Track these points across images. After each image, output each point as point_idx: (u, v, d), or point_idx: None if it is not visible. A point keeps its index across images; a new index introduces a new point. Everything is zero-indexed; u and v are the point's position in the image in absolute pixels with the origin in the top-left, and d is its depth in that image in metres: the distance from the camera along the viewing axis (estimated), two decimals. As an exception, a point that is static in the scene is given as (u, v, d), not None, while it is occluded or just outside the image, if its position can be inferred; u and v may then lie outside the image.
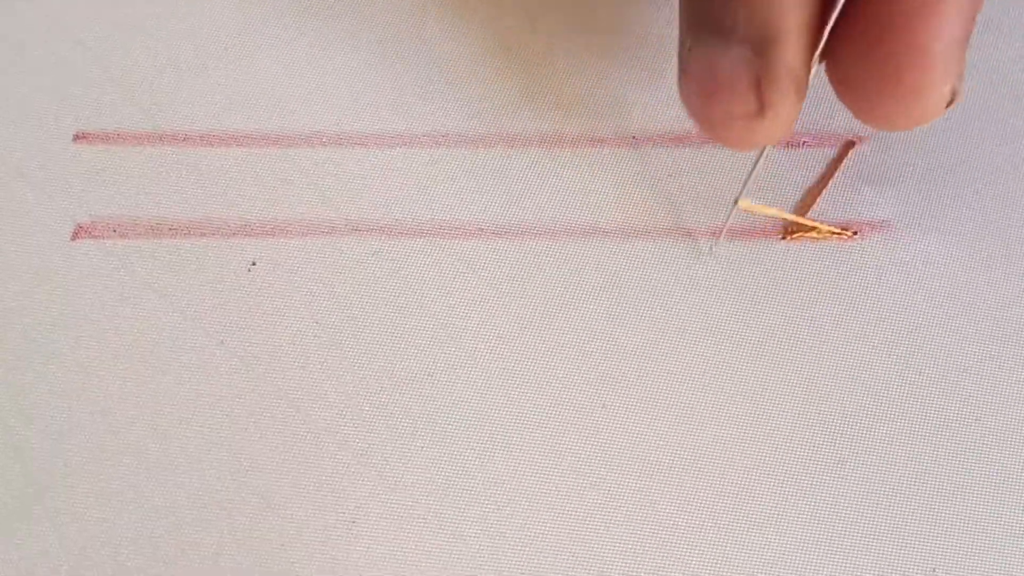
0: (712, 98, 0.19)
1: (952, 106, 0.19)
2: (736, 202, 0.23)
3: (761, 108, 0.19)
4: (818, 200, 0.25)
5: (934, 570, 0.21)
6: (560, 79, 0.26)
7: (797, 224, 0.24)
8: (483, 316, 0.24)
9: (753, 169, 0.22)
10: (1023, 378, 0.23)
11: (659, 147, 0.26)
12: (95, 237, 0.25)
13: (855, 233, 0.24)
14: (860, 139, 0.25)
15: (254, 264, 0.25)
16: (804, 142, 0.25)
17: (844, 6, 0.19)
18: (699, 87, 0.19)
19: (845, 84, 0.20)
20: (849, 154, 0.25)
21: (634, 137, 0.26)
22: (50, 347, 0.24)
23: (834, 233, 0.24)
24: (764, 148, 0.21)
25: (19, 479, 0.23)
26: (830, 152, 0.25)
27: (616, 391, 0.23)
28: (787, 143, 0.25)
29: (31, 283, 0.25)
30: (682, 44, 0.20)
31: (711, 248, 0.24)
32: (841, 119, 0.26)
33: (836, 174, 0.25)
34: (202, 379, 0.24)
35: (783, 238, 0.24)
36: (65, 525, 0.22)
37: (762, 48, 0.18)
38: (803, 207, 0.25)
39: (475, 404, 0.23)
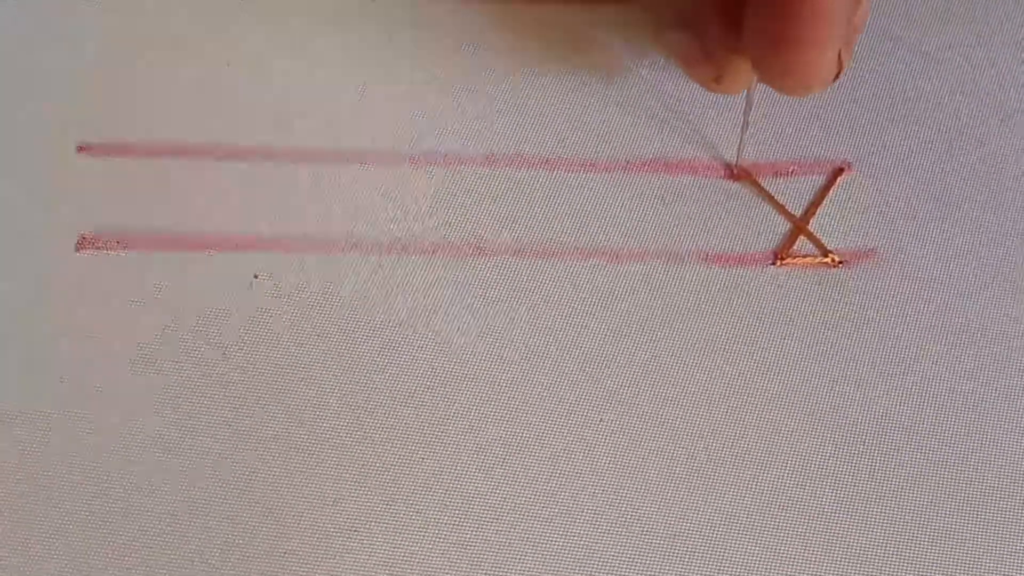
0: (689, 69, 0.25)
1: (839, 77, 0.22)
2: (745, 123, 0.25)
3: (718, 76, 0.24)
4: (809, 225, 0.25)
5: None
6: (557, 104, 0.27)
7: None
8: (482, 331, 0.24)
9: (746, 119, 0.25)
10: (1010, 400, 0.24)
11: (650, 173, 0.26)
12: (98, 248, 0.25)
13: (842, 261, 0.25)
14: (849, 166, 0.26)
15: (256, 277, 0.25)
16: (792, 170, 0.26)
17: None
18: (680, 62, 0.25)
19: (748, 40, 0.22)
20: (837, 181, 0.26)
21: (627, 162, 0.26)
22: (54, 357, 0.24)
23: (823, 262, 0.25)
24: (752, 97, 0.25)
25: (22, 486, 0.23)
26: (819, 179, 0.26)
27: (612, 407, 0.24)
28: (776, 172, 0.26)
29: (35, 293, 0.25)
30: (667, 28, 0.25)
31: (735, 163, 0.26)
32: (829, 147, 0.26)
33: (824, 201, 0.26)
34: (204, 390, 0.24)
35: (773, 264, 0.25)
36: (67, 533, 0.23)
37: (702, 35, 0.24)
38: (793, 233, 0.25)
39: (474, 417, 0.24)
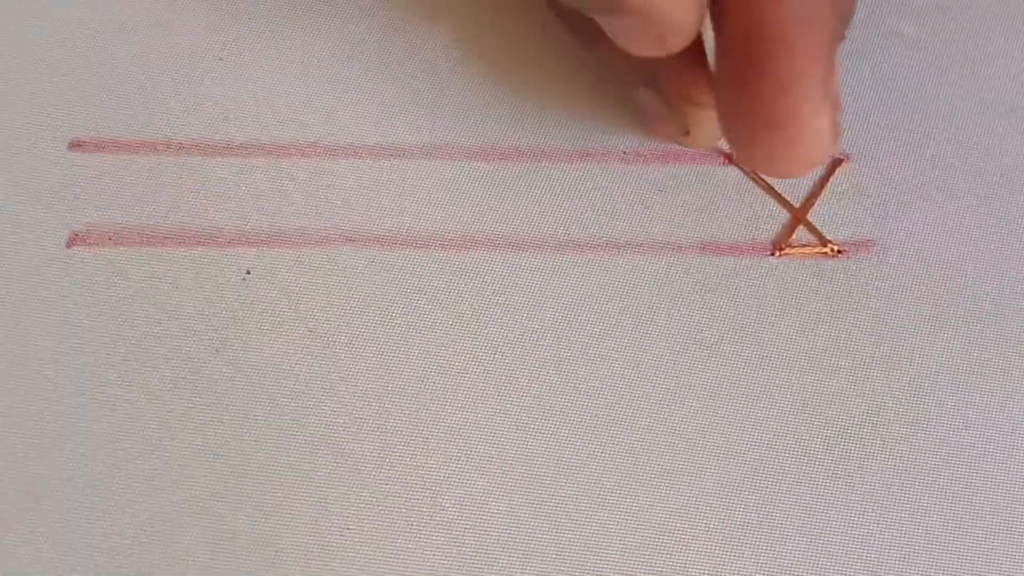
0: (655, 125, 0.25)
1: (837, 143, 0.21)
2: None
3: (686, 132, 0.24)
4: (808, 216, 0.25)
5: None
6: (553, 94, 0.27)
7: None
8: (476, 327, 0.24)
9: None
10: (1009, 393, 0.23)
11: (648, 163, 0.26)
12: (90, 245, 0.25)
13: (841, 251, 0.25)
14: (848, 157, 0.26)
15: (249, 273, 0.25)
16: (792, 160, 0.26)
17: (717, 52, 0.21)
18: (646, 119, 0.25)
19: (730, 133, 0.21)
20: (836, 172, 0.26)
21: (624, 152, 0.26)
22: (44, 354, 0.24)
23: (822, 252, 0.25)
24: None
25: (13, 486, 0.23)
26: (817, 170, 0.26)
27: (609, 402, 0.23)
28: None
29: (26, 291, 0.25)
30: (629, 85, 0.25)
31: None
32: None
33: (823, 192, 0.25)
34: (197, 387, 0.24)
35: (771, 255, 0.25)
36: (58, 532, 0.23)
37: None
38: (791, 223, 0.25)
39: (469, 413, 0.23)
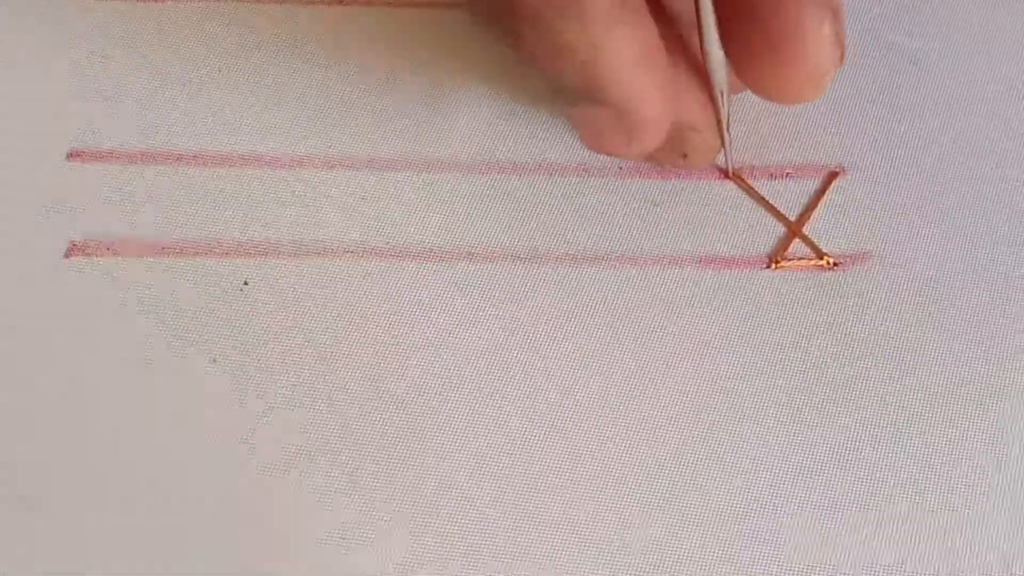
0: (597, 141, 0.23)
1: (843, 53, 0.21)
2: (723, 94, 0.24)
3: (683, 155, 0.24)
4: (803, 228, 0.25)
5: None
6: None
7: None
8: (472, 338, 0.24)
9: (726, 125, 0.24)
10: (1005, 403, 0.23)
11: (645, 177, 0.26)
12: (88, 255, 0.25)
13: (836, 264, 0.25)
14: (843, 170, 0.26)
15: (247, 283, 0.25)
16: (787, 173, 0.26)
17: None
18: (587, 134, 0.24)
19: (740, 65, 0.22)
20: (832, 185, 0.26)
21: (621, 167, 0.26)
22: (42, 364, 0.24)
23: (818, 264, 0.25)
24: (727, 97, 0.24)
25: (9, 495, 0.23)
26: (813, 183, 0.26)
27: (603, 413, 0.23)
28: (770, 174, 0.26)
29: (24, 300, 0.25)
30: (567, 102, 0.23)
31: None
32: (823, 150, 0.26)
33: (819, 205, 0.26)
34: (194, 397, 0.24)
35: (768, 267, 0.25)
36: (55, 540, 0.22)
37: (622, 112, 0.22)
38: (787, 236, 0.25)
39: (464, 424, 0.23)
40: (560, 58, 0.20)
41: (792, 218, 0.25)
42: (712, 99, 0.23)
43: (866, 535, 0.22)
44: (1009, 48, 0.28)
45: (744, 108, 0.26)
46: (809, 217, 0.25)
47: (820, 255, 0.25)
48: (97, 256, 0.25)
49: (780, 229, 0.25)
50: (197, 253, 0.25)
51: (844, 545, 0.22)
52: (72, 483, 0.23)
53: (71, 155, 0.26)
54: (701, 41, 0.22)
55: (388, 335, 0.24)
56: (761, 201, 0.26)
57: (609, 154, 0.24)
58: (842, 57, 0.22)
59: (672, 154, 0.24)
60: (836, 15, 0.21)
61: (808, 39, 0.21)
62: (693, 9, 0.22)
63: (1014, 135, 0.26)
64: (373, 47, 0.28)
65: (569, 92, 0.22)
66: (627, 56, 0.20)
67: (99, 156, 0.26)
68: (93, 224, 0.26)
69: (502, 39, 0.22)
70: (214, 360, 0.24)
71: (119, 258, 0.25)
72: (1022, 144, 0.26)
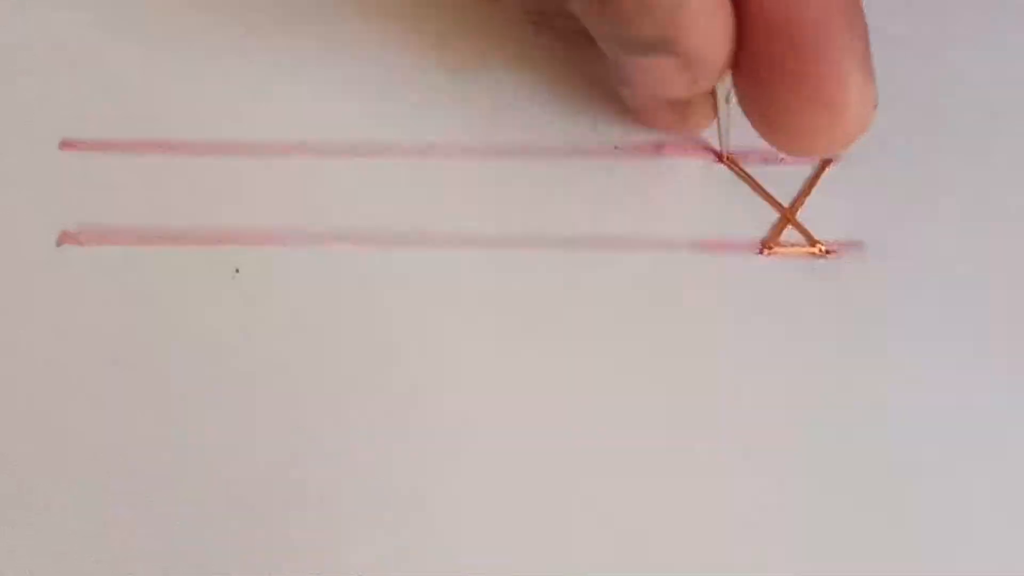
0: (662, 87, 0.22)
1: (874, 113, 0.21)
2: (728, 99, 0.23)
3: (694, 85, 0.22)
4: (797, 215, 0.25)
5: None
6: (542, 89, 0.27)
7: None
8: (468, 327, 0.24)
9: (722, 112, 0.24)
10: (1001, 393, 0.23)
11: (638, 161, 0.26)
12: (80, 244, 0.25)
13: (829, 251, 0.25)
14: (837, 156, 0.26)
15: (238, 271, 0.25)
16: (781, 159, 0.26)
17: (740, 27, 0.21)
18: (650, 81, 0.22)
19: (759, 110, 0.22)
20: (826, 171, 0.26)
21: (615, 148, 0.26)
22: (34, 353, 0.24)
23: (810, 251, 0.25)
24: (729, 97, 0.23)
25: (2, 485, 0.23)
26: (806, 169, 0.26)
27: (599, 403, 0.23)
28: (764, 160, 0.26)
29: (15, 289, 0.25)
30: (636, 53, 0.22)
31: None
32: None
33: (813, 191, 0.25)
34: (187, 385, 0.24)
35: (760, 252, 0.25)
36: (51, 532, 0.22)
37: (692, 58, 0.21)
38: (780, 222, 0.25)
39: (461, 411, 0.23)
40: (642, 12, 0.20)
41: (786, 204, 0.25)
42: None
43: (857, 527, 0.22)
44: (1001, 35, 0.28)
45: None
46: (802, 204, 0.25)
47: (813, 242, 0.25)
48: (89, 245, 0.25)
49: (773, 215, 0.25)
50: (188, 241, 0.25)
51: (834, 537, 0.22)
52: (59, 474, 0.23)
53: (63, 144, 0.26)
54: None
55: (381, 323, 0.24)
56: (755, 186, 0.26)
57: (667, 96, 0.23)
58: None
59: (671, 121, 0.25)
60: (873, 76, 0.21)
61: (853, 100, 0.20)
62: None
63: (1008, 122, 0.26)
64: (364, 30, 0.28)
65: (639, 45, 0.21)
66: (706, 6, 0.20)
67: (91, 145, 0.26)
68: (85, 213, 0.26)
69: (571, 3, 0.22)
70: (207, 349, 0.24)
71: (111, 247, 0.25)
72: (1017, 133, 0.26)
